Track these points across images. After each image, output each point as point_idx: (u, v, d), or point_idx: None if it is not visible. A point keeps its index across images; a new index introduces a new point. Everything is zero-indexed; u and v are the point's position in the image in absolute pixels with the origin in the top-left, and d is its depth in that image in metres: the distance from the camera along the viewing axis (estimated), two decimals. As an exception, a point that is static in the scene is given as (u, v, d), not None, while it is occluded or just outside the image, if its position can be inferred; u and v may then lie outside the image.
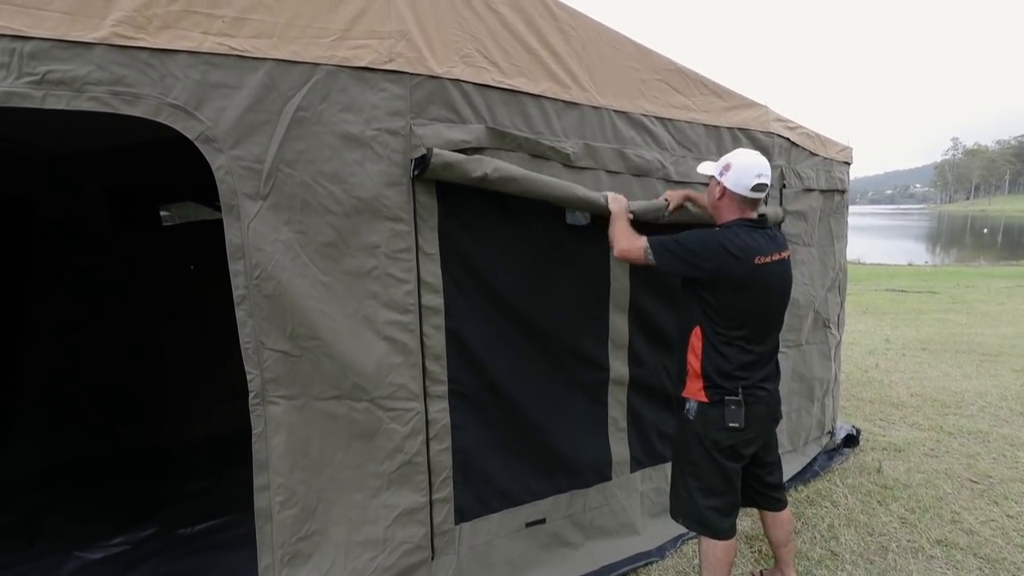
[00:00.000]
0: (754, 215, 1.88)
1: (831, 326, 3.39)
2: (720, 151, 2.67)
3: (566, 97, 2.09)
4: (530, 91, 2.01)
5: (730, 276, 1.77)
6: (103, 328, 3.38)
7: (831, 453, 3.44)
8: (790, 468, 3.11)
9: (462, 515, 2.05)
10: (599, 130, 2.20)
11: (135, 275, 3.48)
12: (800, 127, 3.20)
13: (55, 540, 2.52)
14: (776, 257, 1.84)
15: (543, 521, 2.23)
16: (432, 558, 1.98)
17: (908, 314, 8.63)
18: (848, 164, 3.55)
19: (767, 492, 2.08)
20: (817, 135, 3.32)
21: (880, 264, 18.64)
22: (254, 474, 1.81)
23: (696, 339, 1.88)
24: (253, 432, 1.79)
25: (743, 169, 1.82)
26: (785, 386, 3.06)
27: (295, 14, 1.63)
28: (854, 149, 3.62)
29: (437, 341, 1.96)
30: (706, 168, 2.00)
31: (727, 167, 1.85)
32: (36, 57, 1.39)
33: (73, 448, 3.26)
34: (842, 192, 3.42)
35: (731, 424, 1.82)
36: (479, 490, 2.08)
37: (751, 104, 2.87)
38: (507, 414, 2.14)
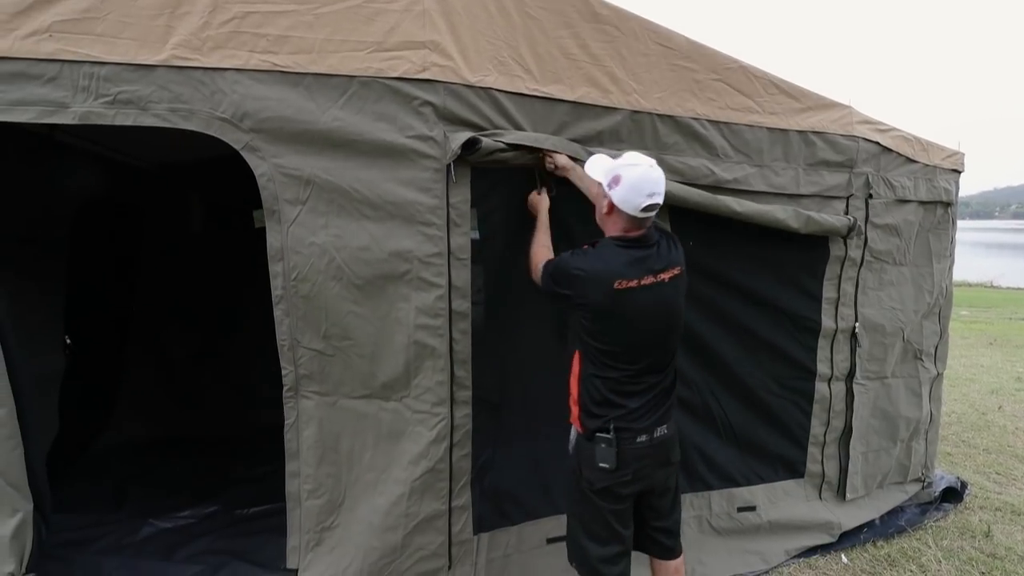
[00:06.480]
0: (640, 232, 1.68)
1: (924, 358, 2.95)
2: (787, 157, 2.44)
3: (604, 102, 2.02)
4: (565, 97, 1.96)
5: (587, 302, 1.63)
6: (193, 318, 3.79)
7: (924, 507, 2.97)
8: (861, 514, 2.73)
9: (481, 525, 2.02)
10: (638, 136, 2.10)
11: (224, 272, 3.84)
12: (894, 129, 2.84)
13: (137, 507, 2.83)
14: (647, 281, 1.63)
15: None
16: (449, 567, 1.97)
17: (1051, 348, 7.34)
18: (957, 172, 3.10)
19: (654, 535, 1.84)
20: (917, 139, 2.93)
21: (1020, 288, 16.01)
22: (286, 461, 1.91)
23: (576, 362, 1.75)
24: (285, 422, 1.89)
25: (632, 186, 1.60)
26: (863, 423, 2.71)
27: (333, 30, 1.72)
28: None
29: (465, 346, 1.96)
30: (594, 170, 1.75)
31: (616, 180, 1.63)
32: (110, 80, 1.59)
33: (164, 425, 3.66)
34: (947, 204, 2.98)
35: (602, 464, 1.65)
36: (499, 501, 2.04)
37: (831, 105, 2.60)
38: (533, 426, 2.09)
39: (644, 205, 1.61)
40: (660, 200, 1.64)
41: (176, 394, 3.78)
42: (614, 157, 1.78)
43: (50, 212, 2.72)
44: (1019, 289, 15.90)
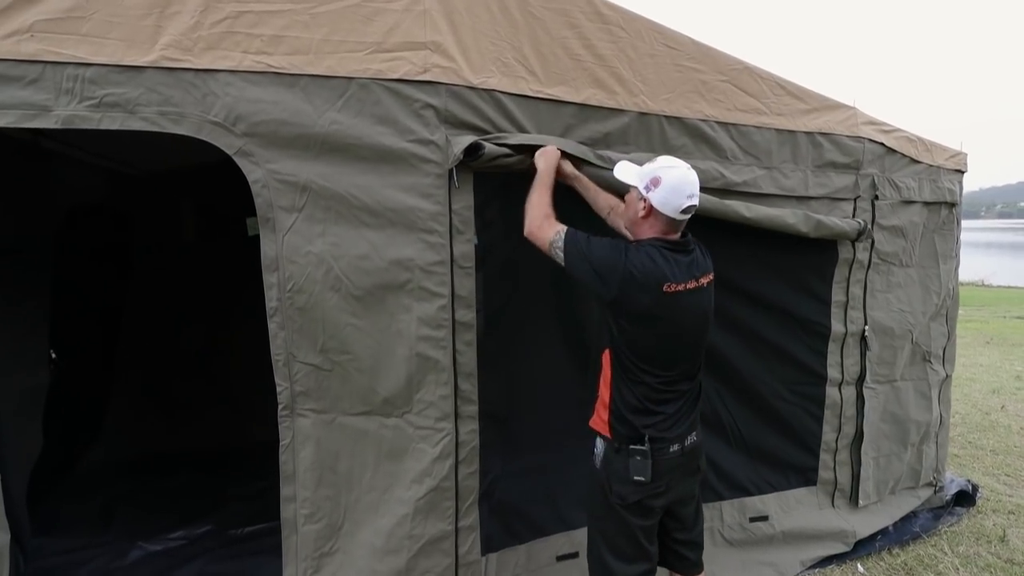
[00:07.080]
0: (676, 236, 1.64)
1: (932, 360, 2.91)
2: (795, 159, 2.40)
3: (611, 104, 1.96)
4: (570, 99, 1.91)
5: (633, 303, 1.56)
6: (184, 330, 3.67)
7: (938, 512, 2.92)
8: (875, 521, 2.67)
9: (489, 545, 1.94)
10: (645, 138, 2.04)
11: (217, 282, 3.74)
12: (898, 130, 2.81)
13: (125, 529, 2.71)
14: (691, 285, 1.59)
15: (576, 555, 2.06)
16: (456, 590, 1.89)
17: (1047, 347, 7.37)
18: (961, 172, 3.07)
19: (677, 548, 1.78)
20: (920, 139, 2.91)
21: (1011, 287, 16.16)
22: (281, 485, 1.82)
23: (606, 363, 1.67)
24: (280, 443, 1.80)
25: (673, 188, 1.56)
26: (873, 427, 2.66)
27: (331, 29, 1.65)
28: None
29: (469, 358, 1.89)
30: (626, 175, 1.69)
31: (655, 182, 1.58)
32: (95, 82, 1.51)
33: (153, 442, 3.54)
34: (951, 205, 2.95)
35: (636, 477, 1.58)
36: (506, 518, 1.96)
37: (836, 106, 2.56)
38: (541, 439, 2.01)
39: (684, 207, 1.58)
40: (697, 201, 1.61)
41: (166, 409, 3.66)
42: (639, 163, 1.72)
43: (35, 221, 2.62)
44: (1011, 287, 16.04)
